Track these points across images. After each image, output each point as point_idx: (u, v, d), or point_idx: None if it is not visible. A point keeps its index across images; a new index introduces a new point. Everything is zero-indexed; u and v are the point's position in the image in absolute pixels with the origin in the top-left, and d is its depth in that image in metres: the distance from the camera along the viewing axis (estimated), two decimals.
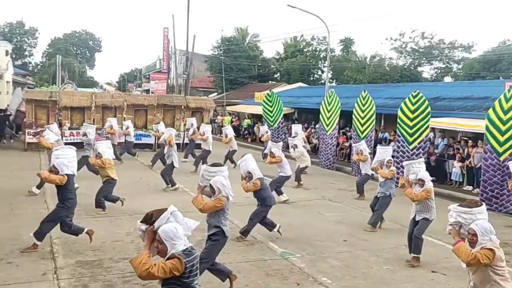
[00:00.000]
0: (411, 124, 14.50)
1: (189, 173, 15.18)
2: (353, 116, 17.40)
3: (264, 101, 22.25)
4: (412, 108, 14.49)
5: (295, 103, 28.11)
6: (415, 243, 7.55)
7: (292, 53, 43.83)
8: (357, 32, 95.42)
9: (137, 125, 21.35)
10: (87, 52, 78.82)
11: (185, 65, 38.16)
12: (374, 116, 16.87)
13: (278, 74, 46.98)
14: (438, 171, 15.58)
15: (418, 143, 14.45)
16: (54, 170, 7.59)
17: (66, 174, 7.53)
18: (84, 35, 77.89)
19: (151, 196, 11.81)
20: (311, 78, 44.32)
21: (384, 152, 10.74)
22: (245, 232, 8.54)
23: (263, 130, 19.50)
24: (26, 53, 71.66)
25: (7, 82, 33.79)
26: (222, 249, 7.83)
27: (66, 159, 7.80)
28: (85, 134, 14.21)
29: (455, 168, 15.25)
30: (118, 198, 10.28)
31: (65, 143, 19.24)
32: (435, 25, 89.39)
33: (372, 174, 12.48)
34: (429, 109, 14.43)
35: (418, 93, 14.62)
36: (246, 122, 30.41)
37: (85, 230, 7.72)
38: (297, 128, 17.86)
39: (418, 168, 8.05)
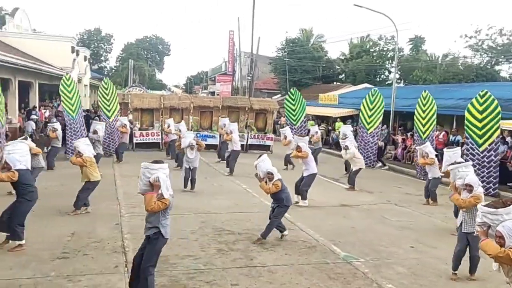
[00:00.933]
0: (480, 125, 13.85)
1: (249, 174, 15.44)
2: (415, 117, 16.89)
3: (286, 99, 21.85)
4: (480, 108, 13.87)
5: (361, 105, 27.50)
6: (473, 263, 7.00)
7: (358, 53, 42.94)
8: (428, 30, 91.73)
9: (203, 126, 21.96)
10: (157, 56, 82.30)
11: (250, 67, 38.69)
12: (435, 116, 16.34)
13: (343, 75, 46.22)
14: None
15: (489, 145, 13.72)
16: (6, 166, 7.39)
17: (19, 170, 7.36)
18: (154, 40, 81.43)
19: (216, 196, 12.10)
20: (378, 79, 43.18)
21: (453, 155, 10.24)
22: (265, 234, 8.33)
23: (313, 130, 19.23)
24: (102, 58, 76.29)
25: (85, 85, 36.04)
26: (284, 251, 7.92)
27: (18, 154, 7.58)
28: (95, 132, 14.75)
29: None
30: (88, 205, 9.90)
31: (136, 143, 20.40)
32: None
33: (441, 177, 11.96)
34: (498, 109, 13.67)
35: (486, 92, 13.95)
36: (310, 123, 30.13)
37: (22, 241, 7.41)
38: (346, 129, 17.29)
39: (465, 172, 7.49)
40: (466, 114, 14.23)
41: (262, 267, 7.12)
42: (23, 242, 7.40)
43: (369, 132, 18.90)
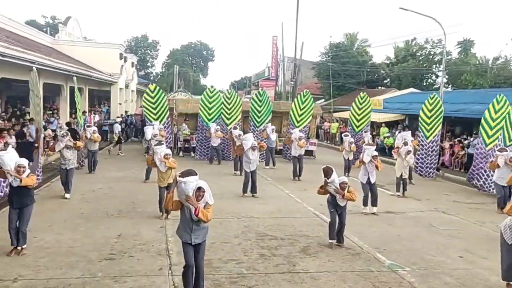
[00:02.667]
0: (428, 121, 17.71)
1: (291, 179, 15.42)
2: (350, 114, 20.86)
3: (253, 99, 20.70)
4: (430, 108, 17.77)
5: (406, 110, 26.88)
6: None
7: (404, 57, 41.99)
8: (478, 33, 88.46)
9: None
10: (201, 61, 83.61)
11: (293, 72, 38.57)
12: (369, 115, 20.92)
13: (388, 80, 45.31)
14: None
15: (433, 137, 17.56)
16: (23, 170, 7.38)
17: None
18: (199, 46, 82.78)
19: (259, 201, 12.12)
20: (424, 83, 42.03)
21: None
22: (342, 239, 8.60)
23: (368, 137, 18.68)
24: (148, 64, 78.28)
25: (132, 91, 37.11)
26: (327, 257, 7.82)
27: (21, 160, 7.57)
28: (155, 135, 14.90)
29: None
30: None
31: (180, 148, 20.80)
32: None
33: None
34: (442, 108, 17.70)
35: (435, 95, 18.29)
36: None
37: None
38: (407, 135, 16.74)
39: None
40: (420, 113, 17.94)
41: (304, 274, 7.05)
42: (24, 245, 7.48)
43: (299, 127, 20.25)
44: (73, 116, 22.26)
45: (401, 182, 13.54)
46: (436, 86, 38.64)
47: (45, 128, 17.74)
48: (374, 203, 11.16)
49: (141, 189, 12.96)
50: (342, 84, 42.29)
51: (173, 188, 5.97)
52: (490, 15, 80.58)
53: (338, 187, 8.36)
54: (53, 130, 19.01)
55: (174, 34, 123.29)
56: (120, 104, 30.46)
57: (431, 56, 41.88)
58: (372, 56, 47.24)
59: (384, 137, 24.12)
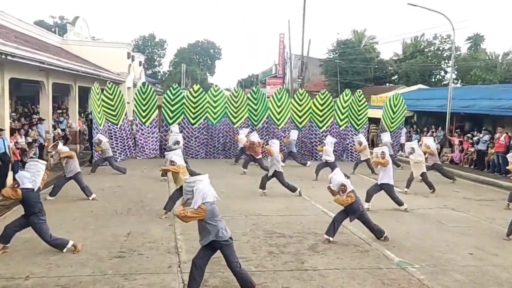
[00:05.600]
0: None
1: (300, 176, 15.37)
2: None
3: (248, 97, 20.15)
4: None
5: (414, 106, 26.67)
6: None
7: (412, 53, 41.70)
8: (488, 28, 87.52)
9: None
10: (208, 60, 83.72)
11: (300, 69, 38.52)
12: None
13: (396, 76, 45.04)
14: None
15: (326, 127, 20.21)
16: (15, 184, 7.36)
17: (23, 189, 7.26)
18: (206, 44, 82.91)
19: (266, 198, 12.13)
20: (433, 79, 41.72)
21: None
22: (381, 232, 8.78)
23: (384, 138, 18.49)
24: (156, 63, 78.55)
25: None
26: (335, 255, 7.81)
27: (30, 173, 7.49)
28: (177, 143, 14.97)
29: None
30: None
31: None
32: None
33: None
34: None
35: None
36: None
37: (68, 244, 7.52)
38: (430, 141, 16.44)
39: None
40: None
41: (313, 271, 7.06)
42: (69, 244, 7.52)
43: (280, 127, 20.05)
44: (81, 115, 22.47)
45: (413, 178, 13.53)
46: (445, 82, 38.36)
47: (55, 128, 17.89)
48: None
49: (150, 187, 13.05)
50: (349, 81, 42.12)
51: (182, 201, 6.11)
52: (500, 9, 79.79)
53: (335, 189, 8.42)
54: (63, 130, 19.17)
55: (181, 33, 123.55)
56: (128, 103, 30.51)
57: (439, 52, 41.56)
58: (380, 53, 47.02)
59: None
